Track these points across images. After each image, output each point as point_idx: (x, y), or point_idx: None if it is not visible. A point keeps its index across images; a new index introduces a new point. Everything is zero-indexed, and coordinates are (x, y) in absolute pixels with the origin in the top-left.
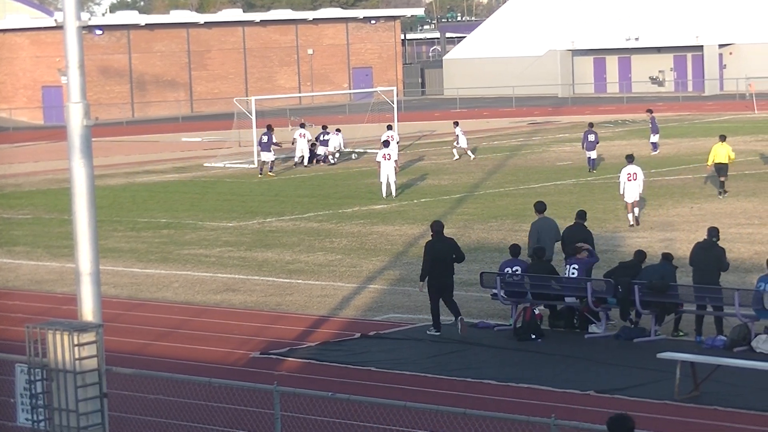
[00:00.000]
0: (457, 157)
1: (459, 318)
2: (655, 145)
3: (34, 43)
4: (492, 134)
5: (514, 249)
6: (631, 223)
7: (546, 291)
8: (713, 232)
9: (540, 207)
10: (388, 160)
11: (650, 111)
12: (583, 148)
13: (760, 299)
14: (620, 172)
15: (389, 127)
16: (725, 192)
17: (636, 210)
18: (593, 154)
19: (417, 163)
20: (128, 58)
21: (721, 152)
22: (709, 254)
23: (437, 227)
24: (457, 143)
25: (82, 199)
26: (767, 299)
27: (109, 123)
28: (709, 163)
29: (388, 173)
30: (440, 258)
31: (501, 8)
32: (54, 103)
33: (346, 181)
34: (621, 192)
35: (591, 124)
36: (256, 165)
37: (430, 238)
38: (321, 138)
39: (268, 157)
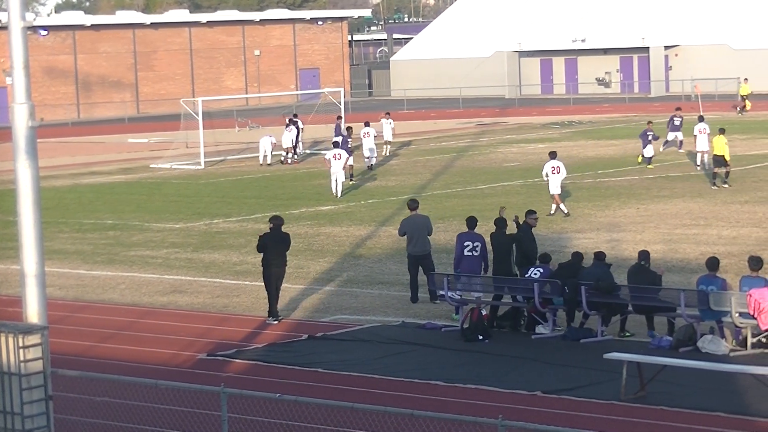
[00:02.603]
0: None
1: (272, 317)
2: (668, 144)
3: None
4: (439, 135)
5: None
6: (552, 212)
7: (500, 292)
8: (643, 255)
9: (412, 205)
10: (338, 159)
11: (679, 109)
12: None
13: (705, 300)
14: (544, 167)
15: (367, 124)
16: (725, 183)
17: (562, 206)
18: (646, 152)
19: (365, 165)
20: (74, 59)
21: (718, 144)
22: (641, 279)
23: (278, 222)
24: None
25: (27, 201)
26: (713, 300)
27: (54, 124)
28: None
29: (337, 173)
30: (275, 249)
31: (448, 9)
32: None
33: (293, 183)
34: (546, 180)
35: (650, 122)
36: (203, 166)
37: (268, 231)
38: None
39: (350, 160)
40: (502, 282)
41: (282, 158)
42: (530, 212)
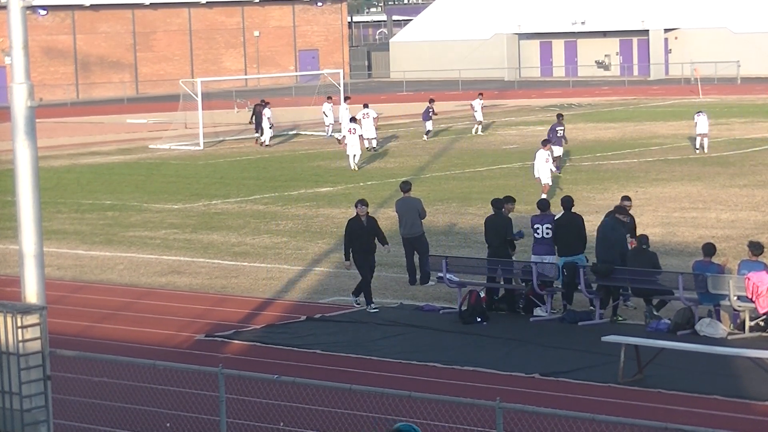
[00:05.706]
0: (477, 132)
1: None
2: None
3: None
4: (438, 117)
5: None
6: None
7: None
8: (643, 239)
9: (404, 187)
10: (353, 134)
11: None
12: None
13: (704, 283)
14: (535, 155)
15: (365, 105)
16: None
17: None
18: None
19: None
20: (72, 39)
21: None
22: (642, 261)
23: (363, 205)
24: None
25: (26, 181)
26: (711, 283)
27: (53, 104)
28: None
29: (354, 147)
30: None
31: None
32: None
33: (291, 164)
34: (536, 176)
35: None
36: (201, 147)
37: (354, 217)
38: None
39: (558, 151)
40: (497, 265)
41: (339, 137)
42: (625, 198)
